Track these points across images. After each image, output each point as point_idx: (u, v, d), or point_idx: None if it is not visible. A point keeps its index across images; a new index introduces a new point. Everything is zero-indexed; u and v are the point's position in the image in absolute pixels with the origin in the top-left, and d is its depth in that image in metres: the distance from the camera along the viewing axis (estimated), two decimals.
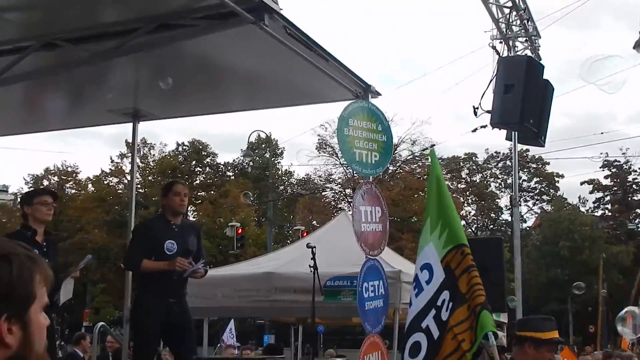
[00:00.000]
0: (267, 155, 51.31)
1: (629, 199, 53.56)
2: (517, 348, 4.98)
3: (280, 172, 56.89)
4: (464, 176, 57.18)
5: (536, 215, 56.55)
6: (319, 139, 50.62)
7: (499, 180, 55.30)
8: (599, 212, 55.02)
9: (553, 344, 4.99)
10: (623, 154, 50.87)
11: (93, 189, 53.97)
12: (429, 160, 5.27)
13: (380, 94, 7.26)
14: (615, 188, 53.89)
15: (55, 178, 55.35)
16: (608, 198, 54.95)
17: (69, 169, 55.66)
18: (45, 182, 55.33)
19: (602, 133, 64.00)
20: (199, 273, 6.66)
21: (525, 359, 4.85)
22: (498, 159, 54.02)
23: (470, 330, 4.20)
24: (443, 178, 5.19)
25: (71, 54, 5.98)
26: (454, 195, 56.37)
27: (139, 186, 45.50)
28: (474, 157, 56.20)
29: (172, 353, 7.01)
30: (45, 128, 9.65)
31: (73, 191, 55.32)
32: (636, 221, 53.32)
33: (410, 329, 4.68)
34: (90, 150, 79.04)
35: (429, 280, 4.62)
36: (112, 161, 53.95)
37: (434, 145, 51.85)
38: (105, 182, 54.50)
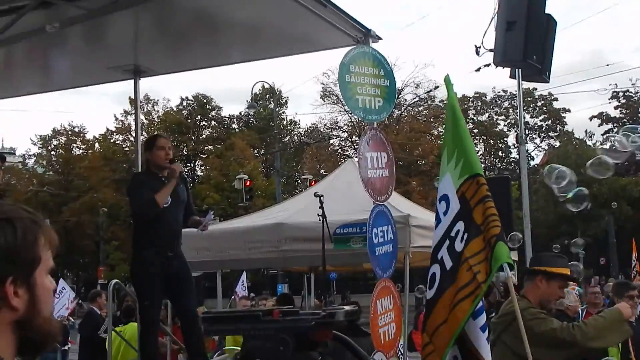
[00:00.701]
0: (272, 106, 51.15)
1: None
2: (528, 283, 5.03)
3: (285, 122, 56.79)
4: (471, 116, 56.96)
5: (544, 152, 56.45)
6: (322, 87, 50.43)
7: (508, 119, 55.04)
8: (608, 145, 54.86)
9: (564, 278, 5.04)
10: (633, 84, 50.49)
11: (100, 148, 54.11)
12: (444, 93, 5.08)
13: (381, 39, 7.18)
14: (626, 120, 53.57)
15: (63, 138, 55.45)
16: (617, 130, 54.71)
17: (76, 129, 55.70)
18: (55, 142, 55.50)
19: (607, 65, 63.12)
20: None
21: (536, 293, 4.90)
22: (505, 98, 53.70)
23: (485, 261, 4.15)
24: (459, 106, 5.02)
25: (67, 11, 5.92)
26: None
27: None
28: (483, 97, 55.90)
29: (174, 306, 7.08)
30: (46, 88, 9.61)
31: (81, 151, 55.46)
32: None
33: (431, 261, 4.67)
34: (97, 110, 79.05)
35: (446, 212, 4.57)
36: (117, 119, 53.99)
37: (437, 87, 51.77)
38: (112, 141, 54.61)
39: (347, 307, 3.61)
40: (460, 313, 4.20)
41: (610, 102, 52.55)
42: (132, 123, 44.59)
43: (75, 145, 55.95)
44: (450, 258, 4.40)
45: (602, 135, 54.75)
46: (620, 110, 53.17)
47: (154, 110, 55.71)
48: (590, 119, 54.12)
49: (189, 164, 54.16)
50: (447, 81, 4.86)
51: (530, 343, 4.19)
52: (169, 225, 6.49)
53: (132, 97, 9.31)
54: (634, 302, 7.99)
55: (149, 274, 6.37)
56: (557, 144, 55.53)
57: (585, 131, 55.16)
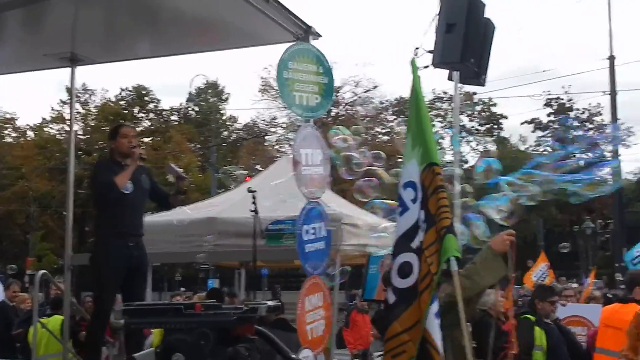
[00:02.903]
0: (212, 100, 50.81)
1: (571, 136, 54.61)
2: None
3: (225, 118, 56.48)
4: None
5: (479, 154, 57.40)
6: (262, 82, 50.22)
7: (445, 122, 55.69)
8: (541, 150, 56.08)
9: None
10: (565, 92, 51.72)
11: (33, 136, 52.87)
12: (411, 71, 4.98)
13: (321, 36, 7.20)
14: (557, 126, 54.84)
15: None
16: (550, 136, 55.97)
17: (7, 116, 54.26)
18: None
19: (543, 71, 64.64)
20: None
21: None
22: (444, 100, 54.35)
23: (437, 253, 4.14)
24: (421, 90, 4.94)
25: None
26: (399, 137, 56.65)
27: (80, 132, 44.73)
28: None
29: (123, 295, 7.02)
30: None
31: (11, 140, 54.03)
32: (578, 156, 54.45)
33: (398, 249, 4.60)
34: (31, 97, 77.18)
35: (415, 199, 4.51)
36: (53, 109, 52.82)
37: (376, 86, 52.10)
38: (46, 130, 53.42)
39: (270, 302, 3.60)
40: (422, 304, 4.22)
41: (544, 108, 53.82)
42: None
43: (5, 132, 54.49)
44: (415, 248, 4.39)
45: (535, 141, 56.04)
46: (553, 116, 54.46)
47: (92, 100, 54.72)
48: (522, 123, 55.26)
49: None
50: (413, 64, 4.82)
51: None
52: (131, 213, 6.52)
53: (69, 85, 9.13)
54: (554, 307, 8.18)
55: (110, 264, 6.33)
56: (493, 148, 56.51)
57: (519, 136, 56.30)
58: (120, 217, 6.43)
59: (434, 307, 4.18)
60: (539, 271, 19.01)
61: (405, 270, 4.48)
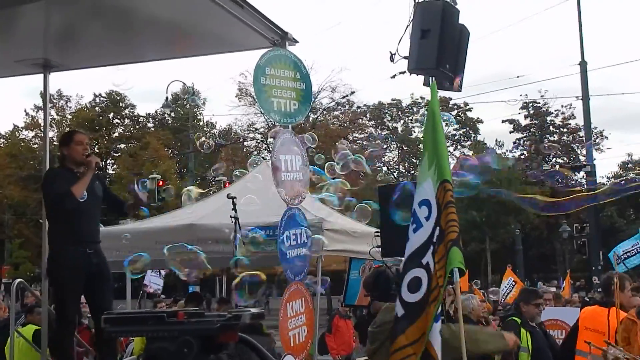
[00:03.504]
0: (188, 106, 50.61)
1: (546, 139, 55.13)
2: None
3: (202, 123, 56.29)
4: (386, 122, 57.65)
5: (456, 159, 57.70)
6: (239, 87, 50.12)
7: (422, 127, 55.91)
8: (518, 153, 56.48)
9: None
10: (542, 96, 52.17)
11: (5, 142, 52.32)
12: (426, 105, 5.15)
13: (297, 42, 7.20)
14: (533, 129, 55.29)
15: None
16: (527, 140, 56.36)
17: None
18: None
19: (517, 77, 65.31)
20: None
21: None
22: (421, 105, 54.55)
23: (444, 267, 4.25)
24: (439, 112, 5.10)
25: None
26: (376, 141, 56.90)
27: (54, 139, 44.35)
28: (399, 104, 56.64)
29: (88, 304, 6.92)
30: None
31: None
32: (552, 161, 55.00)
33: (409, 264, 4.71)
34: (2, 103, 76.36)
35: (428, 217, 4.62)
36: (27, 114, 52.34)
37: (353, 92, 52.17)
38: (20, 137, 52.91)
39: (253, 310, 3.59)
40: (429, 316, 4.35)
41: (520, 113, 54.21)
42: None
43: None
44: (433, 263, 4.47)
45: (514, 143, 56.40)
46: (529, 119, 54.89)
47: (67, 106, 54.32)
48: (503, 122, 55.61)
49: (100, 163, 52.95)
50: (432, 87, 4.96)
51: None
52: (87, 221, 6.39)
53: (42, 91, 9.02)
54: (539, 309, 8.25)
55: (68, 272, 6.21)
56: (470, 152, 56.78)
57: (496, 140, 56.64)
58: (77, 225, 6.30)
59: (438, 324, 4.27)
60: (504, 286, 19.14)
61: (414, 285, 4.59)
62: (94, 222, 6.53)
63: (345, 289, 9.90)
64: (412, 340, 4.46)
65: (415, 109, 55.86)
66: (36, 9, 6.11)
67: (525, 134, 56.19)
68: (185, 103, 52.43)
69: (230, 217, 7.81)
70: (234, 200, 7.77)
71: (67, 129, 49.19)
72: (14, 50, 7.34)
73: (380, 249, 7.40)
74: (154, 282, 16.46)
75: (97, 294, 6.45)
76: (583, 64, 29.40)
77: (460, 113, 56.34)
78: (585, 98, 29.36)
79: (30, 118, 52.14)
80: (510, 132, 56.18)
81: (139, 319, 3.46)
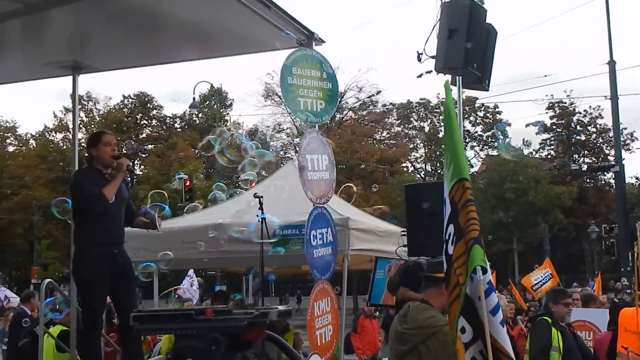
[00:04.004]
0: (216, 106, 50.87)
1: (573, 139, 54.61)
2: (432, 289, 5.05)
3: (229, 124, 56.53)
4: (414, 122, 57.50)
5: (482, 159, 57.33)
6: (266, 87, 50.30)
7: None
8: (545, 154, 56.02)
9: None
10: (567, 95, 51.67)
11: (35, 145, 52.90)
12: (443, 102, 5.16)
13: (324, 42, 7.22)
14: (560, 129, 54.78)
15: None
16: (553, 140, 55.84)
17: (8, 125, 54.37)
18: None
19: (545, 76, 64.73)
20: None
21: (440, 300, 4.92)
22: None
23: (465, 264, 4.25)
24: (454, 110, 5.07)
25: (3, 6, 5.77)
26: (404, 141, 56.83)
27: (83, 141, 44.79)
28: (428, 104, 56.47)
29: (113, 303, 6.96)
30: None
31: (12, 149, 54.11)
32: (580, 161, 54.47)
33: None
34: (33, 106, 77.32)
35: (444, 215, 4.64)
36: (56, 116, 52.92)
37: (380, 91, 52.16)
38: (50, 139, 53.48)
39: (280, 307, 3.60)
40: (452, 314, 4.29)
41: (547, 113, 53.72)
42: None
43: (7, 142, 54.60)
44: (446, 261, 4.47)
45: (540, 144, 55.94)
46: (556, 120, 54.35)
47: (96, 108, 54.88)
48: (527, 125, 55.12)
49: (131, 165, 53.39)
50: (447, 87, 4.94)
51: None
52: (113, 221, 6.40)
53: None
54: (569, 309, 8.19)
55: (94, 272, 6.24)
56: (496, 152, 56.42)
57: (523, 139, 56.15)
58: (103, 226, 6.31)
59: (499, 316, 4.22)
60: (540, 276, 18.90)
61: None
62: (119, 223, 6.55)
63: (371, 288, 9.88)
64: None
65: (442, 109, 55.57)
66: (65, 12, 6.18)
67: (552, 135, 55.67)
68: (213, 104, 52.74)
69: (257, 216, 7.84)
70: (261, 199, 7.80)
71: (96, 130, 49.73)
72: (43, 53, 7.43)
73: (406, 248, 7.39)
74: (188, 290, 16.40)
75: (123, 293, 6.48)
76: (612, 63, 29.09)
77: (488, 114, 56.01)
78: (614, 97, 29.03)
79: (59, 120, 52.68)
80: (537, 134, 55.66)
81: (168, 316, 3.48)
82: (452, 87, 9.29)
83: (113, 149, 6.55)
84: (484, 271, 4.18)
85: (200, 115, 55.06)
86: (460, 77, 9.32)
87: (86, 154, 6.84)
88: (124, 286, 6.42)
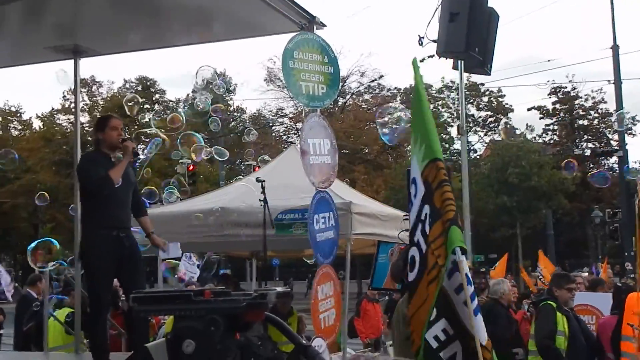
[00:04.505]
0: (221, 90, 50.83)
1: (576, 124, 54.43)
2: None
3: (232, 109, 56.49)
4: None
5: (486, 144, 57.18)
6: (267, 72, 50.20)
7: (450, 110, 55.45)
8: (548, 138, 55.82)
9: None
10: (570, 80, 51.47)
11: (41, 126, 52.90)
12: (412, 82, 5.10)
13: (325, 26, 7.20)
14: (563, 114, 54.58)
15: None
16: (557, 124, 55.64)
17: (13, 109, 54.39)
18: None
19: (548, 61, 64.58)
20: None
21: None
22: (453, 89, 54.11)
23: (443, 245, 4.24)
24: (423, 89, 5.05)
25: None
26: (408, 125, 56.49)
27: (86, 125, 44.77)
28: (429, 88, 56.25)
29: (121, 286, 7.00)
30: None
31: (17, 132, 54.16)
32: (583, 146, 54.29)
33: (410, 244, 4.75)
34: (37, 89, 77.28)
35: (416, 194, 4.62)
36: (64, 97, 52.87)
37: (382, 76, 52.01)
38: (56, 120, 53.50)
39: (279, 288, 3.63)
40: (430, 295, 4.27)
41: (550, 97, 53.51)
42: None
43: (11, 125, 54.63)
44: (424, 241, 4.46)
45: (543, 129, 55.73)
46: (558, 105, 54.15)
47: (99, 92, 54.88)
48: (529, 109, 54.95)
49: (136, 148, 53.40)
50: (414, 64, 4.88)
51: None
52: (119, 205, 6.42)
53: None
54: (572, 294, 8.20)
55: (100, 255, 6.27)
56: (500, 137, 56.19)
57: (526, 124, 56.00)
58: (110, 210, 6.32)
59: (475, 303, 4.22)
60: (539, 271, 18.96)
61: (411, 264, 4.61)
62: (126, 207, 6.57)
63: (373, 272, 9.89)
64: (409, 316, 4.51)
65: (446, 93, 55.32)
66: None
67: (555, 120, 55.45)
68: (216, 88, 52.62)
69: (260, 200, 7.86)
70: (263, 183, 7.81)
71: (99, 114, 49.67)
72: (44, 37, 7.43)
73: (409, 232, 7.39)
74: (189, 269, 16.32)
75: (130, 276, 6.51)
76: (615, 48, 28.97)
77: (492, 98, 55.78)
78: (618, 82, 28.93)
79: (67, 101, 52.70)
80: (540, 118, 55.43)
81: (167, 297, 3.49)
82: (454, 70, 9.27)
83: (120, 133, 6.56)
84: (463, 251, 4.19)
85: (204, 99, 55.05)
86: (462, 61, 9.31)
87: (93, 137, 6.85)
88: (132, 269, 6.44)
